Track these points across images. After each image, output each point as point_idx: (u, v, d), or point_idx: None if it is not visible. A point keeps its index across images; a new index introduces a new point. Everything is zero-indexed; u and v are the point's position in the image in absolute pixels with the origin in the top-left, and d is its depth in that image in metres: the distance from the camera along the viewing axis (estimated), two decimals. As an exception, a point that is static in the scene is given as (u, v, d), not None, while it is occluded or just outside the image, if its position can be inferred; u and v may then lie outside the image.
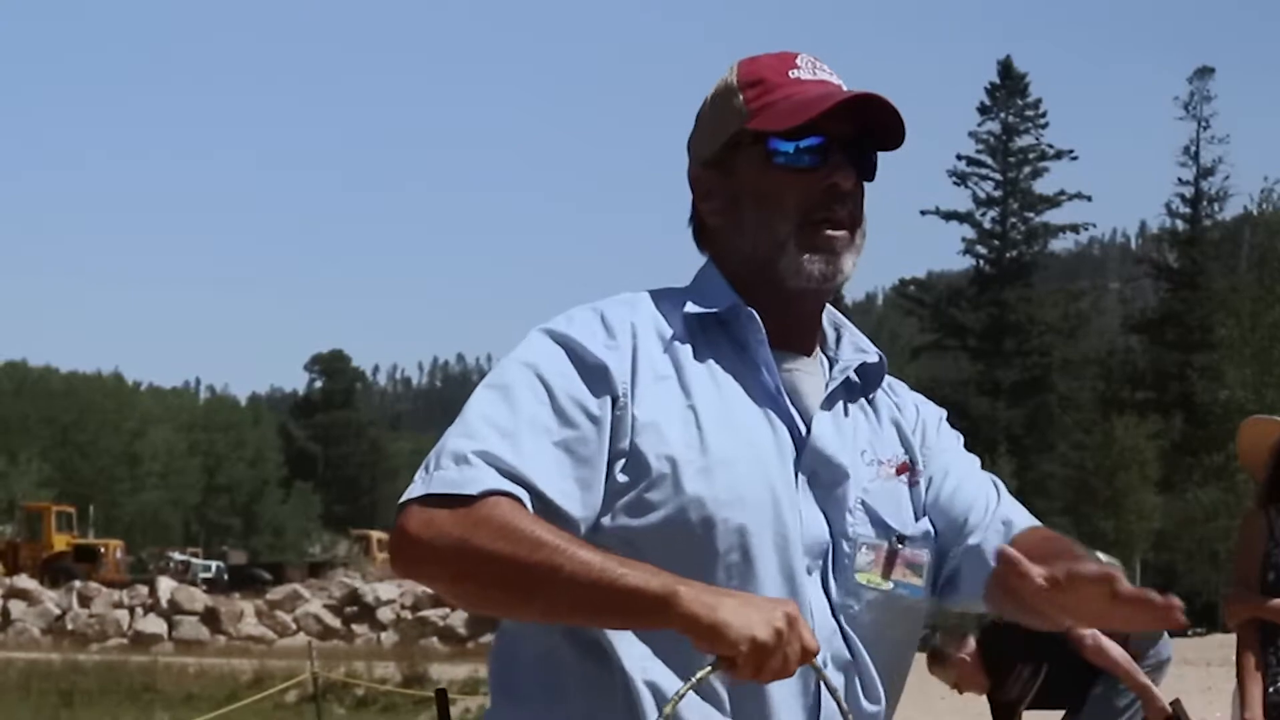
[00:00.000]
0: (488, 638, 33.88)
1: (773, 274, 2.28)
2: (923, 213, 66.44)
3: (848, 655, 2.23)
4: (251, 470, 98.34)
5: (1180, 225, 63.34)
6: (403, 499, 2.12)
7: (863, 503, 2.28)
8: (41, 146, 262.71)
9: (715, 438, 2.19)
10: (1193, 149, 62.47)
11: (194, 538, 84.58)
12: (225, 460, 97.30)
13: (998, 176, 65.81)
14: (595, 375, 2.20)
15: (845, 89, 2.31)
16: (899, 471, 2.34)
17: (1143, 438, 51.20)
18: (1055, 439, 59.77)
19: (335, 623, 36.85)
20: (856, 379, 2.38)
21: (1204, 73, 63.00)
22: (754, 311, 2.27)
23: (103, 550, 52.56)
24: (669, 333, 2.27)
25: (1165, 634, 5.94)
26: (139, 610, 37.88)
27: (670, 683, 2.13)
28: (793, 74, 2.33)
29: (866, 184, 2.33)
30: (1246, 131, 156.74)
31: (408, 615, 36.42)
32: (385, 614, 36.81)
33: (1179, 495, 52.81)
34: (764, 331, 2.27)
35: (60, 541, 52.62)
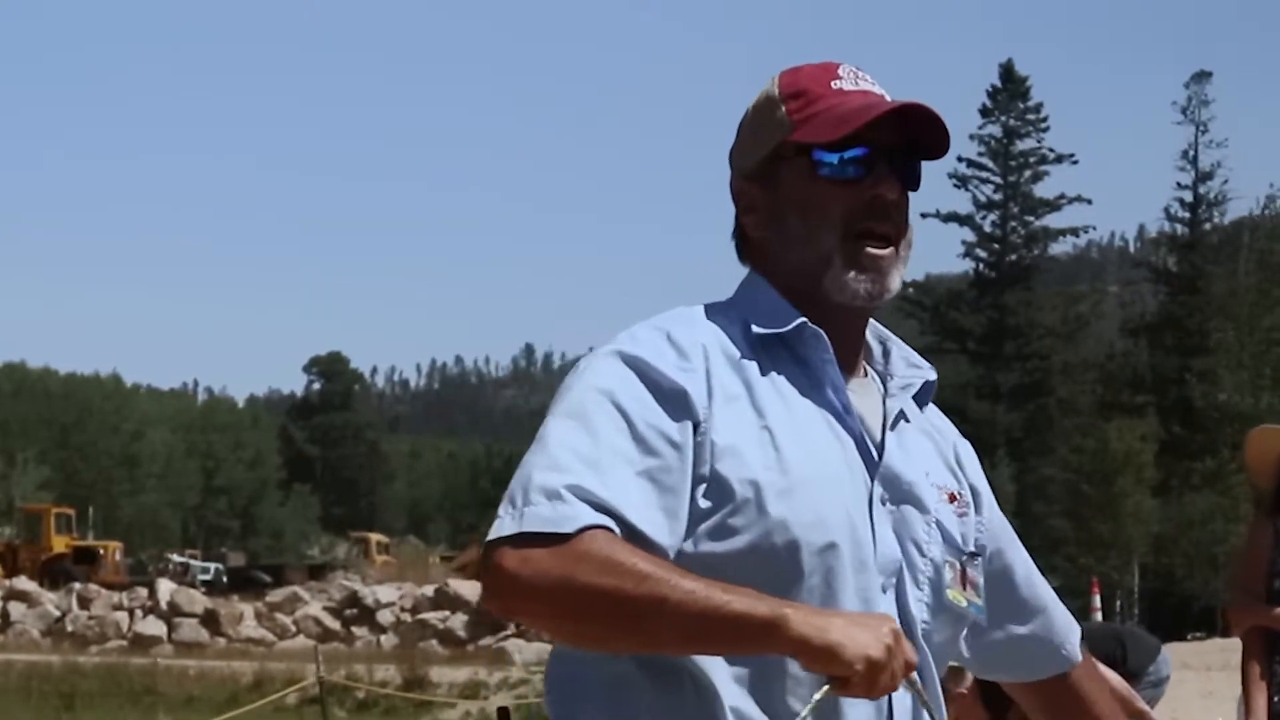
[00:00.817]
0: (486, 640, 34.12)
1: (818, 289, 2.27)
2: (923, 215, 66.33)
3: (927, 670, 2.25)
4: (250, 472, 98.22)
5: (1179, 229, 63.32)
6: (493, 536, 2.09)
7: (937, 522, 2.29)
8: (38, 147, 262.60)
9: (793, 459, 2.18)
10: (1191, 153, 62.43)
11: (192, 539, 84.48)
12: (224, 462, 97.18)
13: (998, 180, 65.76)
14: (674, 400, 2.17)
15: (888, 99, 2.31)
16: (950, 500, 2.35)
17: (1137, 440, 51.18)
18: (1055, 443, 59.71)
19: (335, 625, 36.83)
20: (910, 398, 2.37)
21: (1202, 77, 62.96)
22: (821, 331, 2.25)
23: (102, 552, 52.51)
24: (735, 352, 2.24)
25: (1163, 651, 5.92)
26: (138, 612, 37.86)
27: (752, 708, 2.13)
28: (835, 85, 2.31)
29: (911, 193, 2.33)
30: (1245, 136, 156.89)
31: (407, 618, 36.40)
32: (385, 616, 36.79)
33: (1176, 499, 52.79)
34: (831, 350, 2.25)
35: (59, 543, 52.55)
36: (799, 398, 2.24)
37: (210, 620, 37.18)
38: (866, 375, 2.36)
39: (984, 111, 66.25)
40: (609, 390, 2.17)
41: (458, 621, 35.50)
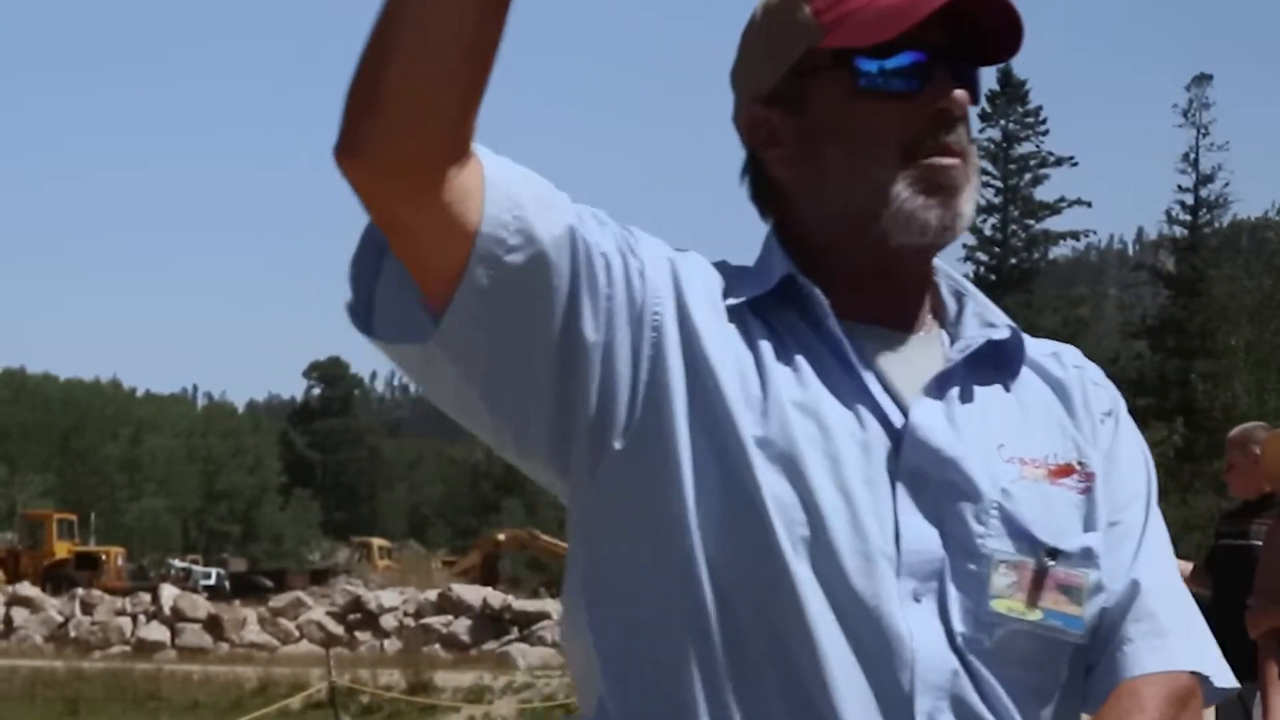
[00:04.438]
0: (490, 645, 34.10)
1: (873, 229, 1.77)
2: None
3: (979, 704, 1.68)
4: (250, 477, 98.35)
5: (1179, 232, 63.38)
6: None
7: (999, 509, 1.73)
8: (38, 154, 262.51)
9: (772, 412, 1.70)
10: (1192, 156, 62.49)
11: (193, 545, 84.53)
12: (224, 467, 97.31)
13: (998, 184, 65.82)
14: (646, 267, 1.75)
15: None
16: (1057, 474, 1.78)
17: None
18: (1056, 446, 59.72)
19: (338, 630, 36.81)
20: (987, 356, 1.85)
21: (1202, 80, 62.98)
22: (809, 282, 1.77)
23: (104, 558, 52.57)
24: (721, 306, 1.77)
25: None
26: (141, 618, 37.84)
27: None
28: None
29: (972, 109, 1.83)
30: (1246, 138, 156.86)
31: (411, 622, 36.39)
32: (388, 621, 36.77)
33: (1179, 503, 52.81)
34: (826, 303, 1.76)
35: (61, 549, 52.63)
36: (794, 353, 1.76)
37: (213, 625, 37.15)
38: (936, 336, 1.86)
39: (983, 116, 66.26)
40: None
41: (461, 626, 35.49)
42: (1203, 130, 62.08)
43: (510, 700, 25.06)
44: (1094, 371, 1.94)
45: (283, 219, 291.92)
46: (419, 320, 1.68)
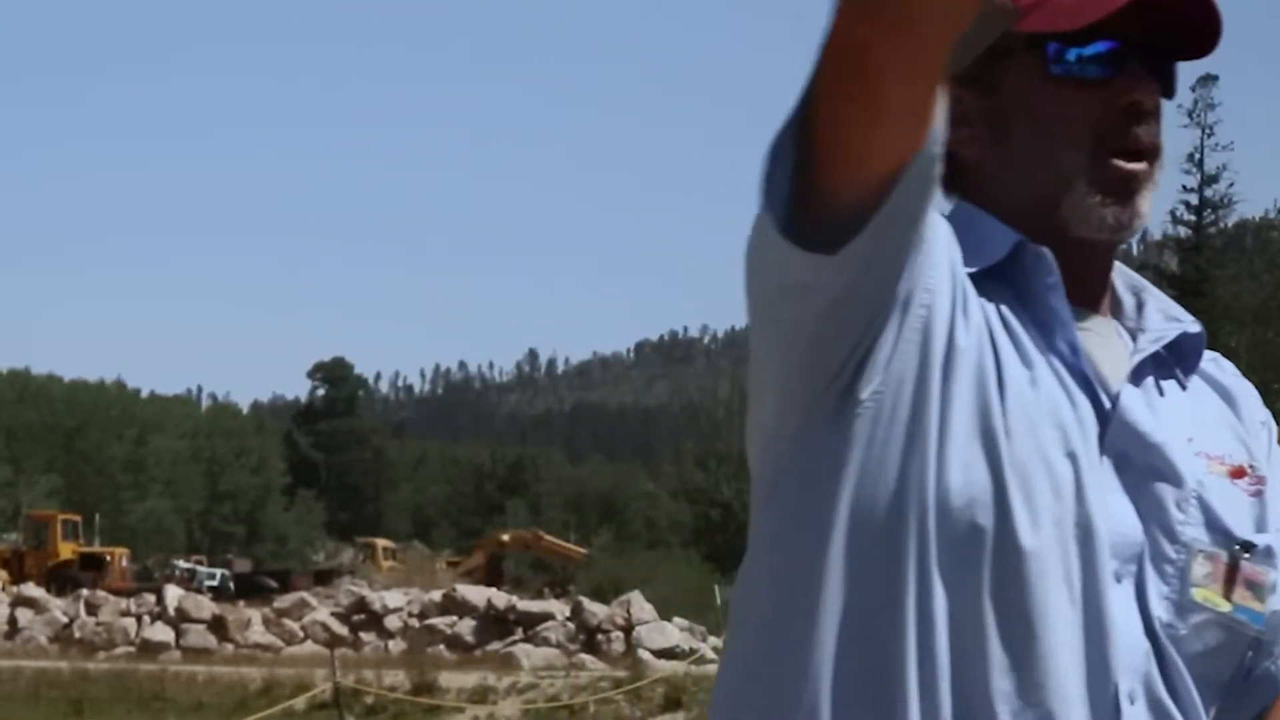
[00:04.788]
0: (494, 645, 34.15)
1: (1053, 217, 1.77)
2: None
3: (1164, 690, 1.69)
4: (254, 478, 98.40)
5: (1184, 233, 63.38)
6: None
7: (1198, 499, 1.75)
8: (42, 155, 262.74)
9: (1012, 407, 1.68)
10: (1197, 156, 62.48)
11: (197, 546, 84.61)
12: (228, 468, 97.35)
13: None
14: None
15: None
16: (1233, 475, 1.81)
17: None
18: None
19: (343, 631, 36.86)
20: (1166, 353, 1.85)
21: (1207, 80, 62.92)
22: (1044, 250, 1.75)
23: (109, 558, 52.64)
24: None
25: None
26: (146, 618, 37.88)
27: None
28: None
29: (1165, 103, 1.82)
30: (1251, 139, 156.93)
31: (415, 623, 36.43)
32: (393, 622, 36.81)
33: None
34: (1057, 274, 1.75)
35: (66, 550, 52.73)
36: (1020, 331, 1.74)
37: (218, 626, 37.19)
38: (1111, 324, 1.86)
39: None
40: None
41: (465, 626, 35.53)
42: (1208, 131, 62.09)
43: (514, 701, 25.08)
44: (1248, 383, 1.96)
45: (287, 220, 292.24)
46: (820, 227, 1.60)
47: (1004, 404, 1.67)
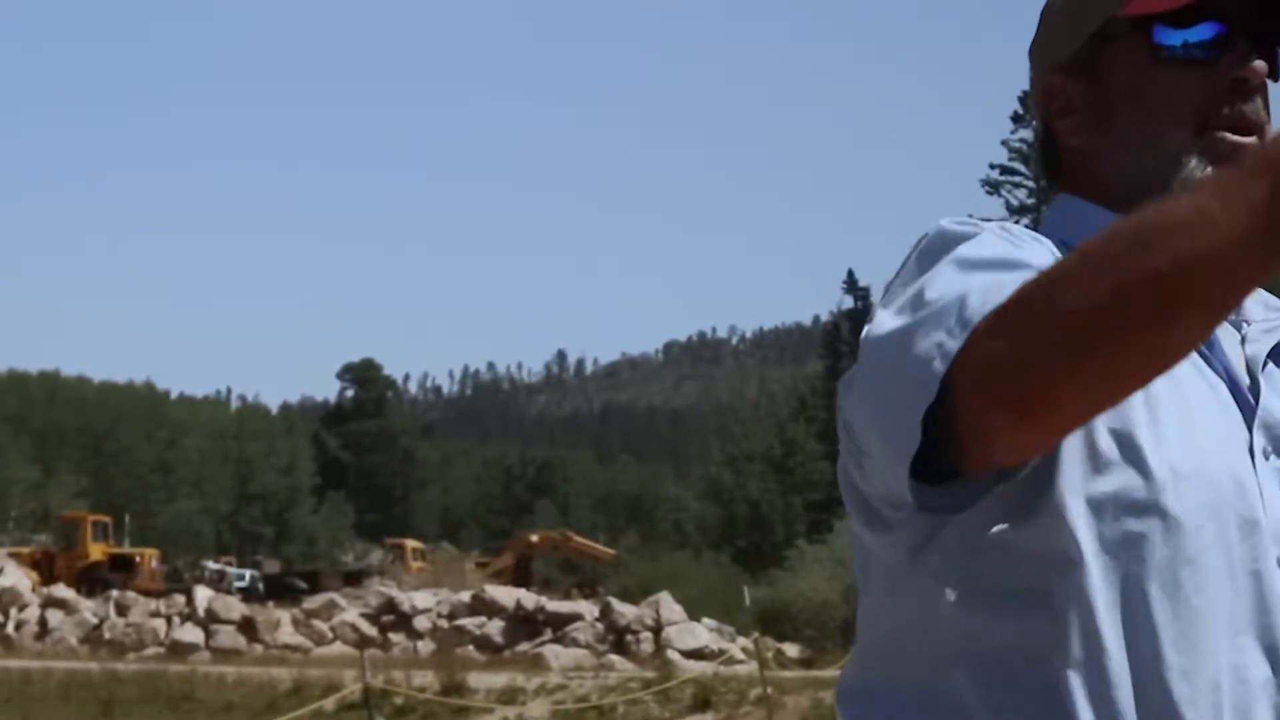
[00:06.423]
0: (523, 646, 34.17)
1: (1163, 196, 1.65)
2: (955, 221, 66.32)
3: None
4: (283, 479, 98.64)
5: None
6: (940, 367, 1.48)
7: None
8: (73, 159, 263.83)
9: (1160, 397, 1.65)
10: None
11: (226, 547, 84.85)
12: (257, 469, 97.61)
13: (1031, 184, 65.79)
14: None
15: None
16: None
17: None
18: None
19: (372, 632, 36.92)
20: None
21: None
22: None
23: (138, 559, 52.78)
24: None
25: None
26: (176, 619, 38.00)
27: None
28: None
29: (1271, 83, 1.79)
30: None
31: (444, 624, 36.47)
32: (422, 623, 36.86)
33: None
34: None
35: (96, 551, 52.86)
36: None
37: (247, 627, 37.28)
38: None
39: (1015, 118, 66.28)
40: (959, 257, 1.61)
41: (494, 627, 35.56)
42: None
43: (544, 701, 25.09)
44: None
45: (318, 222, 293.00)
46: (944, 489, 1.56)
47: (1149, 406, 1.64)
